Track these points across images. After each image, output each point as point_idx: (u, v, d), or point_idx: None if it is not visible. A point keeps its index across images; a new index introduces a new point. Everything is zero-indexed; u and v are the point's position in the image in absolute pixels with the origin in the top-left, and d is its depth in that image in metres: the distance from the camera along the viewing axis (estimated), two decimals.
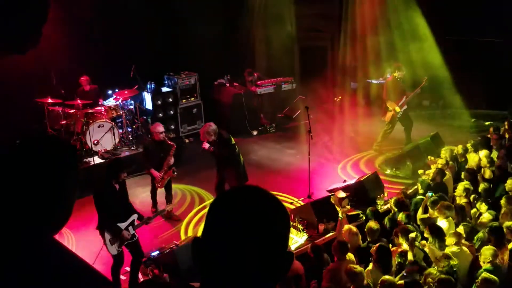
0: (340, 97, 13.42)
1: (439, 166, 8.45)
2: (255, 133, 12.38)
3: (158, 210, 8.05)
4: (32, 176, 1.60)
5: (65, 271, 1.67)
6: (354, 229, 6.38)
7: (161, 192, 8.42)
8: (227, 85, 12.86)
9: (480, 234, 6.26)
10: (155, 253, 6.86)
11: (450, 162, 8.63)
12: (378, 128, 11.39)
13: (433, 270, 5.17)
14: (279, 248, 1.36)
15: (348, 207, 7.81)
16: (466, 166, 8.35)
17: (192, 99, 12.19)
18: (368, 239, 6.26)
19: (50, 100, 9.82)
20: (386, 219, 6.74)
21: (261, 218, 1.34)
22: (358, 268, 5.28)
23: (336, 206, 7.32)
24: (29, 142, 1.68)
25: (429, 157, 9.50)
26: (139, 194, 9.08)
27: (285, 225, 1.41)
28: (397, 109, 10.53)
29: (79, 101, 9.97)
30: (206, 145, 7.86)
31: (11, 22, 8.02)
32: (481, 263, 5.44)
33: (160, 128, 8.04)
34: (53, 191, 1.63)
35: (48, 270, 1.59)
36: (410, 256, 5.58)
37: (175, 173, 8.12)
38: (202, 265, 1.38)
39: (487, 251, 5.45)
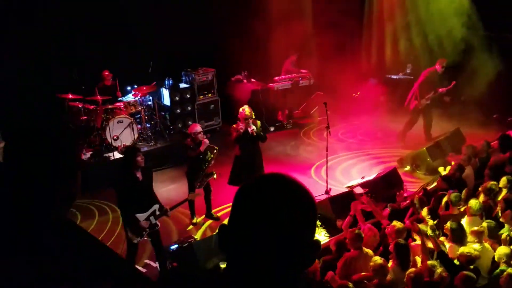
0: (358, 92, 13.32)
1: (460, 162, 8.34)
2: (272, 129, 12.35)
3: (180, 202, 7.45)
4: (39, 155, 1.64)
5: (79, 247, 1.70)
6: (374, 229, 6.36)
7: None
8: (244, 81, 12.85)
9: (504, 231, 6.16)
10: (174, 247, 6.91)
11: (472, 159, 8.50)
12: (397, 124, 11.31)
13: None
14: (306, 236, 1.35)
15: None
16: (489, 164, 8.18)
17: (210, 95, 12.20)
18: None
19: (70, 96, 9.93)
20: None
21: (289, 206, 1.32)
22: (382, 261, 5.26)
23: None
24: (34, 124, 1.74)
25: (449, 153, 9.37)
26: (158, 189, 9.06)
27: (313, 213, 1.39)
28: (423, 101, 10.59)
29: (99, 97, 10.06)
30: (253, 127, 7.82)
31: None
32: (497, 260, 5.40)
33: (198, 128, 7.89)
34: (59, 169, 1.67)
35: (63, 246, 1.63)
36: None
37: (215, 175, 7.87)
38: (228, 252, 1.37)
39: (502, 250, 5.38)
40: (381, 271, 5.16)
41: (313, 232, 1.39)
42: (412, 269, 5.11)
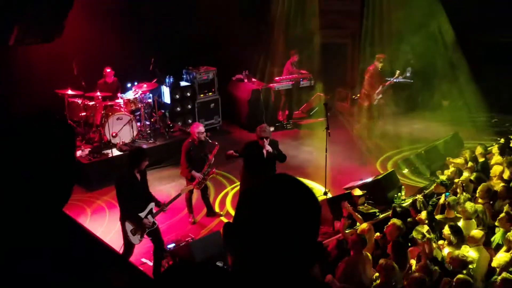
0: (358, 95, 13.34)
1: (458, 166, 8.37)
2: (272, 129, 12.25)
3: (175, 196, 7.21)
4: (33, 150, 1.64)
5: (78, 243, 1.71)
6: (370, 227, 6.40)
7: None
8: (245, 80, 12.86)
9: (497, 235, 6.19)
10: (171, 246, 6.92)
11: (470, 163, 8.53)
12: (396, 126, 11.43)
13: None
14: (309, 236, 1.38)
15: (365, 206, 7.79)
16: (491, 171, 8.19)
17: (210, 94, 12.22)
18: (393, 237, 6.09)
19: (70, 92, 9.92)
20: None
21: (293, 206, 1.36)
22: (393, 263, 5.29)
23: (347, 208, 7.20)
24: (29, 118, 1.73)
25: (447, 157, 9.40)
26: (157, 186, 9.10)
27: (316, 214, 1.42)
28: (374, 96, 11.40)
29: (99, 93, 10.05)
30: (269, 148, 7.15)
31: (37, 9, 8.06)
32: (496, 268, 5.39)
33: (201, 128, 7.82)
34: (55, 166, 1.67)
35: (62, 242, 1.64)
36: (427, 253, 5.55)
37: (216, 171, 7.83)
38: (233, 251, 1.42)
39: (502, 259, 5.37)
40: (390, 271, 5.19)
41: (316, 233, 1.42)
42: (416, 272, 5.12)
